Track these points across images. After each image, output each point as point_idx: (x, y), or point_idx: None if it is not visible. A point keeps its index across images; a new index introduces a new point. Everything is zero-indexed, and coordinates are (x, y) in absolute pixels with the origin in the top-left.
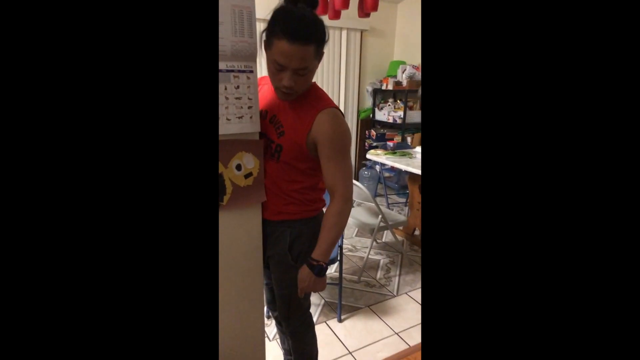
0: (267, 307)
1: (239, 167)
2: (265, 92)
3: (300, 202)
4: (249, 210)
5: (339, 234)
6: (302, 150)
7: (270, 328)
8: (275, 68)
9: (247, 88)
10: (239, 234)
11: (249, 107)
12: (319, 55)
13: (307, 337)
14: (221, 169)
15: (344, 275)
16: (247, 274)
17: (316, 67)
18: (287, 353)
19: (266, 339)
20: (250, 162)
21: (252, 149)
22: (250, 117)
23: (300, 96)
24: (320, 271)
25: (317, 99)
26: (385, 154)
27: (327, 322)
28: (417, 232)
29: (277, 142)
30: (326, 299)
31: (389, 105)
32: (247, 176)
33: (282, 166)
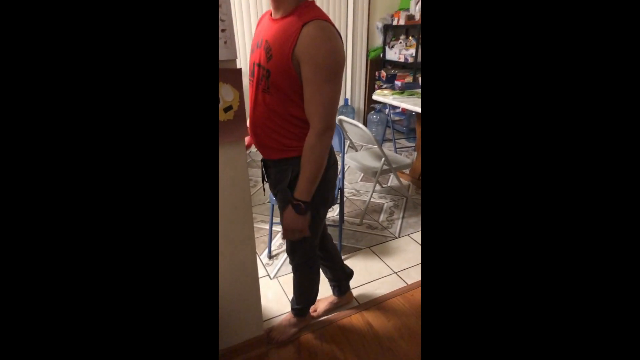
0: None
1: None
2: (263, 23)
3: (298, 137)
4: (232, 147)
5: (317, 170)
6: (290, 72)
7: (272, 267)
8: None
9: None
10: (224, 172)
11: (222, 30)
12: None
13: (308, 275)
14: None
15: (345, 218)
16: (235, 213)
17: None
18: None
19: (267, 278)
20: (229, 93)
21: (229, 78)
22: (225, 42)
23: (291, 12)
24: (300, 210)
25: (305, 11)
26: (392, 94)
27: None
28: None
29: (266, 67)
30: None
31: (401, 42)
32: (226, 110)
33: (274, 97)
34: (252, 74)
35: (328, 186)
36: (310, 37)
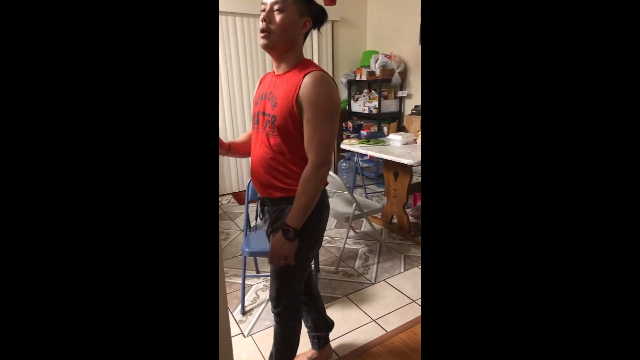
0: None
1: None
2: (266, 80)
3: (299, 177)
4: None
5: (310, 201)
6: (294, 115)
7: (245, 324)
8: (260, 17)
9: None
10: None
11: None
12: (299, 3)
13: (291, 323)
14: None
15: (321, 266)
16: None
17: (294, 14)
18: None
19: (241, 336)
20: None
21: None
22: None
23: (292, 68)
24: (289, 235)
25: (304, 65)
26: (359, 143)
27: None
28: (395, 220)
29: (272, 113)
30: None
31: (364, 95)
32: None
33: (281, 139)
34: (256, 122)
35: (321, 228)
36: (311, 84)
